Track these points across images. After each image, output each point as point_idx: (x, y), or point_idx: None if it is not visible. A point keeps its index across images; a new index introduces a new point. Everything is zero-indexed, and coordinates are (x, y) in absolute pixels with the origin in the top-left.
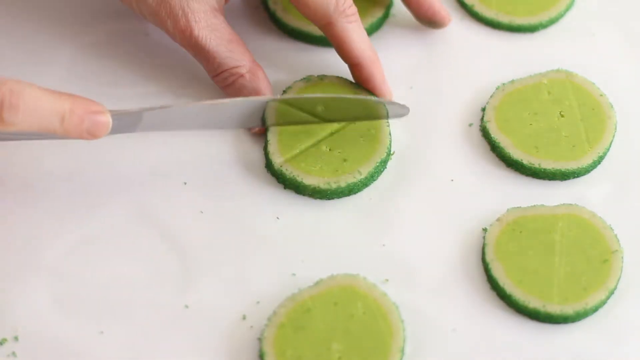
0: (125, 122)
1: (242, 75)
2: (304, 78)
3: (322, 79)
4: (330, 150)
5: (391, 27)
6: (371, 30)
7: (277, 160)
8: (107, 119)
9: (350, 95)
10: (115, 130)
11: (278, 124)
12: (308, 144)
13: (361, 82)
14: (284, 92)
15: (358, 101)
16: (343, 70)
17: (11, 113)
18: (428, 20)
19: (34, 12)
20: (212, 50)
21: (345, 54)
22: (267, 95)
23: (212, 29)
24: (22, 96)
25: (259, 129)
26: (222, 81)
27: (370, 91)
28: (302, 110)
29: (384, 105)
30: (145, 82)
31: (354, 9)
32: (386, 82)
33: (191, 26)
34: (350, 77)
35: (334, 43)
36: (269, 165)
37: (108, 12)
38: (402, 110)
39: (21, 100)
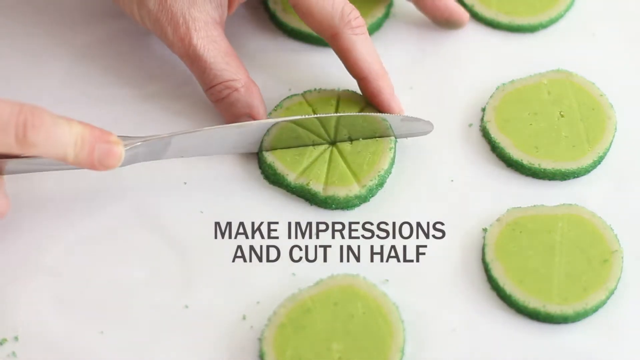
0: (154, 149)
1: (236, 89)
2: (296, 94)
3: (341, 93)
4: (343, 156)
5: (391, 27)
6: (371, 30)
7: (318, 187)
8: (120, 150)
9: (374, 114)
10: (143, 157)
11: (280, 147)
12: (325, 164)
13: (368, 96)
14: (275, 109)
15: (378, 120)
16: (343, 70)
17: (34, 133)
18: (445, 21)
19: (34, 13)
20: (209, 61)
21: (352, 67)
22: (298, 116)
23: (211, 39)
24: (42, 118)
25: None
26: (216, 94)
27: (377, 106)
28: (313, 131)
29: (401, 124)
30: (145, 82)
31: (360, 21)
32: (395, 97)
33: (191, 34)
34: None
35: (340, 56)
36: (317, 200)
37: (108, 12)
38: (426, 127)
39: (42, 122)
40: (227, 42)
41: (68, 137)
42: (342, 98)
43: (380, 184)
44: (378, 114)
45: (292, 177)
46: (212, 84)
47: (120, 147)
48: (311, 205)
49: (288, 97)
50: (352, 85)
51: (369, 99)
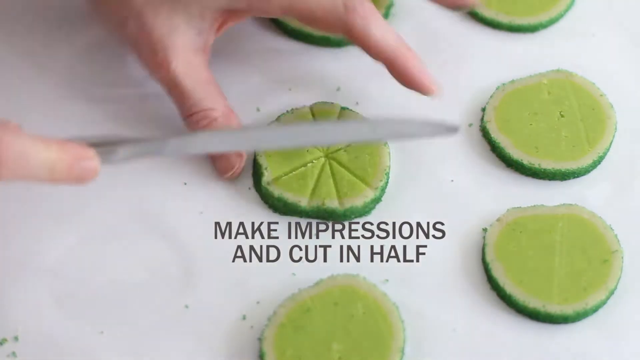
0: (149, 150)
1: (215, 119)
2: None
3: (342, 110)
4: (344, 165)
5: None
6: None
7: (334, 204)
8: (95, 165)
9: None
10: (139, 157)
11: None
12: (329, 179)
13: (397, 75)
14: (291, 111)
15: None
16: (344, 72)
17: None
18: (457, 6)
19: (33, 12)
20: (187, 89)
21: (373, 53)
22: (299, 123)
23: (190, 67)
24: (9, 148)
25: (232, 175)
26: (194, 124)
27: (407, 85)
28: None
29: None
30: (145, 82)
31: (366, 3)
32: (423, 69)
33: (169, 60)
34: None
35: (359, 45)
36: (336, 215)
37: None
38: (450, 131)
39: (8, 153)
40: (208, 70)
41: (41, 163)
42: (342, 115)
43: (387, 181)
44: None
45: (304, 202)
46: (189, 112)
47: (96, 163)
48: (329, 221)
49: (286, 113)
50: (351, 84)
51: (398, 79)
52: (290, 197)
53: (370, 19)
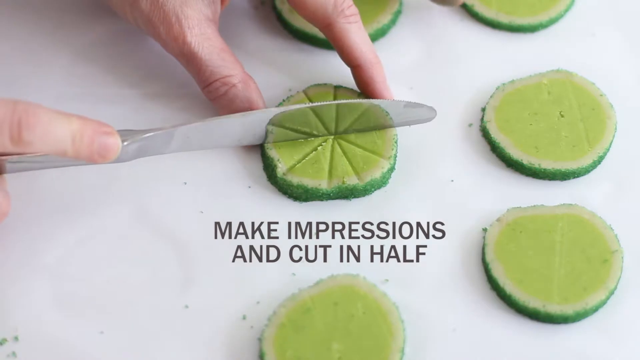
0: (158, 142)
1: (234, 85)
2: (318, 84)
3: (337, 89)
4: (352, 142)
5: (397, 33)
6: (376, 37)
7: (354, 180)
8: (117, 141)
9: (367, 100)
10: (147, 152)
11: (284, 139)
12: (342, 157)
13: (362, 84)
14: (288, 98)
15: (374, 107)
16: (347, 73)
17: (29, 132)
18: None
19: (33, 12)
20: (205, 58)
21: (345, 56)
22: (302, 104)
23: (205, 37)
24: (37, 116)
25: None
26: (214, 91)
27: (369, 94)
28: (320, 119)
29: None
30: (145, 82)
31: (354, 9)
32: (387, 86)
33: (184, 33)
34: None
35: (334, 44)
36: (357, 191)
37: (108, 12)
38: (429, 114)
39: (37, 120)
40: (221, 38)
41: (65, 133)
42: (338, 94)
43: (397, 149)
44: (380, 99)
45: (324, 184)
46: (209, 81)
47: (117, 139)
48: (350, 200)
49: (290, 96)
50: (352, 86)
51: (361, 88)
52: (309, 182)
53: (352, 24)
